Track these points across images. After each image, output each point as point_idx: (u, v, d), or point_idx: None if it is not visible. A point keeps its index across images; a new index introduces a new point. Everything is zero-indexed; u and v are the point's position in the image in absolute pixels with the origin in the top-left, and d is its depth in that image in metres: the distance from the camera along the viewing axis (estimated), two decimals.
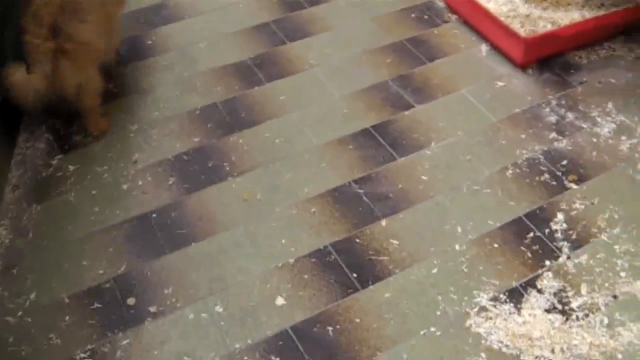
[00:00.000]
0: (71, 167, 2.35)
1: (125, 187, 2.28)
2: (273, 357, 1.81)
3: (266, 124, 2.50)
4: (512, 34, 2.66)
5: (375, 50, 2.83)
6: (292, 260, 2.05)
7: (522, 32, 2.68)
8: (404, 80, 2.67)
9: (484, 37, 2.85)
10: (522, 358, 1.80)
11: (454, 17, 2.98)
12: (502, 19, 2.72)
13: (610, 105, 2.52)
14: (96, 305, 1.94)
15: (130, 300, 1.95)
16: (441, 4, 3.06)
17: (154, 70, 2.76)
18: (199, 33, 2.95)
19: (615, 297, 1.92)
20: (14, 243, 2.11)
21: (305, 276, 2.00)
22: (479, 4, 2.80)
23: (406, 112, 2.53)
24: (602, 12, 2.77)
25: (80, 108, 2.44)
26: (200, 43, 2.90)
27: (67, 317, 1.92)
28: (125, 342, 1.86)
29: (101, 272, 2.03)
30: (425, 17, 3.00)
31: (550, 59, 2.73)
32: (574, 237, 2.08)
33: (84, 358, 1.82)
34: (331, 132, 2.46)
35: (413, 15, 3.01)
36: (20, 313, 1.93)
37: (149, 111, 2.57)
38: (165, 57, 2.82)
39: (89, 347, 1.85)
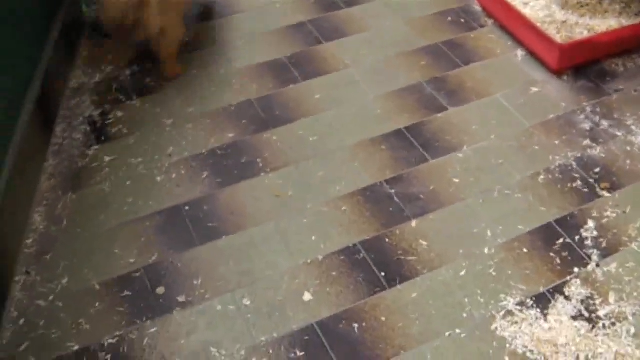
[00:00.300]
0: (107, 158, 2.39)
1: (159, 179, 2.32)
2: (298, 351, 1.83)
3: (300, 122, 2.52)
4: (548, 40, 2.64)
5: (410, 52, 2.83)
6: (321, 257, 2.06)
7: (558, 38, 2.67)
8: (439, 82, 2.67)
9: (519, 42, 2.84)
10: None
11: (490, 21, 2.98)
12: (539, 24, 2.71)
13: None
14: (126, 293, 1.97)
15: (160, 290, 1.98)
16: (478, 8, 3.05)
17: (191, 66, 2.79)
18: (236, 31, 2.98)
19: None
20: (49, 230, 2.15)
21: (334, 273, 2.02)
22: (516, 9, 2.79)
23: (439, 115, 2.53)
24: (639, 20, 2.75)
25: (159, 52, 2.63)
26: (237, 41, 2.93)
27: (97, 304, 1.95)
28: (153, 330, 1.88)
29: (132, 261, 2.06)
30: (462, 20, 2.99)
31: (586, 66, 2.71)
32: (604, 245, 2.07)
33: (112, 344, 1.85)
34: (364, 132, 2.47)
35: (449, 18, 3.01)
36: (51, 297, 1.97)
37: (184, 106, 2.60)
38: (202, 54, 2.86)
39: (117, 333, 1.88)
